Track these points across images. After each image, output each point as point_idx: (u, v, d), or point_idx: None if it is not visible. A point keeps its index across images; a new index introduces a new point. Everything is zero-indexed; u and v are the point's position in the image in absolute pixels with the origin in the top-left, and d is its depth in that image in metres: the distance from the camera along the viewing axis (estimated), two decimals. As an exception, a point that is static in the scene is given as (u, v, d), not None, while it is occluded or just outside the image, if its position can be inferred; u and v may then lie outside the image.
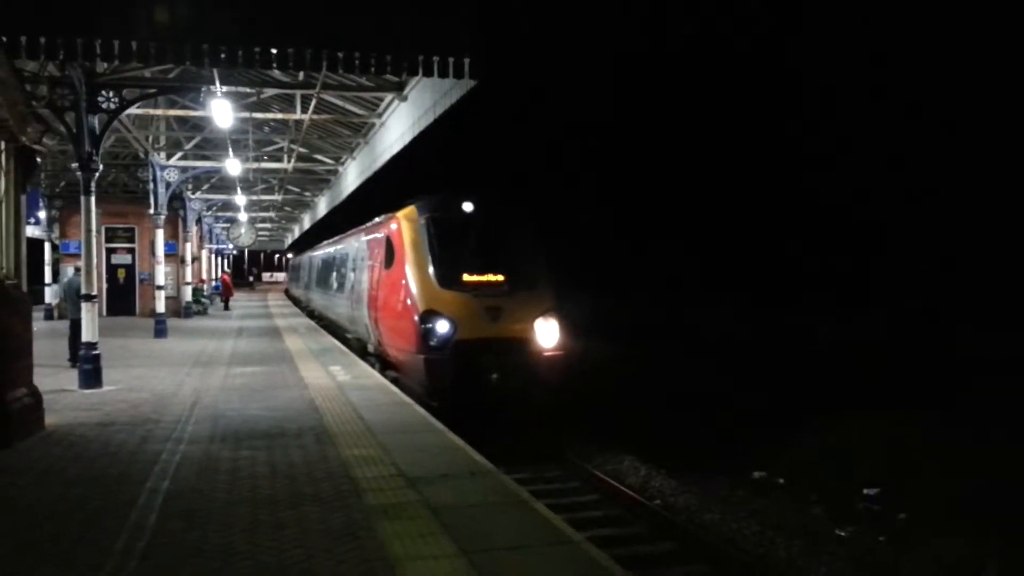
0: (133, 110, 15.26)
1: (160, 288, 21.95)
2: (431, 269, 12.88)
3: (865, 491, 10.61)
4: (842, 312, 25.62)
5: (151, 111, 18.13)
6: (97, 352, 12.48)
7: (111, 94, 12.62)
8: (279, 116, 19.79)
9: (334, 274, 23.11)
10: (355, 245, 19.10)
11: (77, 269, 15.49)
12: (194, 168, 23.76)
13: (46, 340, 16.35)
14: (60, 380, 12.62)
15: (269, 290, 74.21)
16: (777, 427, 13.77)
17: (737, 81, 49.35)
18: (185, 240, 29.58)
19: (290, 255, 74.03)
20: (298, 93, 17.23)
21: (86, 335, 12.41)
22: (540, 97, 67.64)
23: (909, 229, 30.54)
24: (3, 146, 8.86)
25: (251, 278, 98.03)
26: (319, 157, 26.02)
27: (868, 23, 40.27)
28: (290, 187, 34.62)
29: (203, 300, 33.48)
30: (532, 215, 14.38)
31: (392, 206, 15.64)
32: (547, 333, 12.73)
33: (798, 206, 35.92)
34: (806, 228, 35.18)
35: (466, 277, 12.79)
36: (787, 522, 9.72)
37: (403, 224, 13.78)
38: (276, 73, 15.07)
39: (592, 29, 70.40)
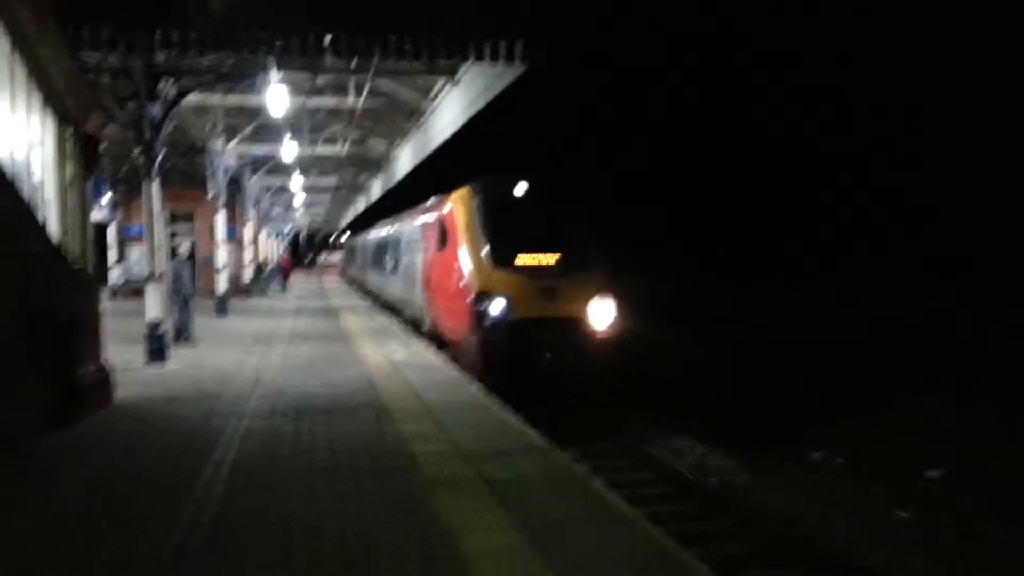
0: (191, 97, 15.57)
1: (221, 270, 22.43)
2: (484, 250, 12.93)
3: (928, 473, 10.42)
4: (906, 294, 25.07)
5: (209, 98, 18.47)
6: (162, 331, 12.85)
7: (170, 82, 12.89)
8: (333, 101, 20.00)
9: (388, 255, 23.35)
10: (409, 227, 19.28)
11: (179, 257, 16.47)
12: (251, 154, 24.16)
13: (113, 319, 16.80)
14: (128, 357, 12.98)
15: (325, 271, 75.21)
16: (838, 407, 13.58)
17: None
18: (243, 223, 30.12)
19: (345, 236, 74.83)
20: (352, 79, 17.38)
21: (151, 314, 12.77)
22: (597, 79, 67.02)
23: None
24: (69, 134, 9.14)
25: (307, 260, 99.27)
26: (372, 142, 26.23)
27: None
28: (344, 170, 35.00)
29: (262, 281, 34.12)
30: (583, 197, 14.37)
31: (446, 188, 15.75)
32: (601, 313, 12.72)
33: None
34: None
35: (519, 258, 12.84)
36: (846, 502, 9.59)
37: (456, 206, 13.86)
38: (330, 60, 15.23)
39: (649, 10, 69.60)
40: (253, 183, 31.38)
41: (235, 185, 27.97)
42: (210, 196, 22.45)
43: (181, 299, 15.53)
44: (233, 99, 19.00)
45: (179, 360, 13.09)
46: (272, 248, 51.72)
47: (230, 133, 23.54)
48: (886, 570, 7.75)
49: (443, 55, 11.51)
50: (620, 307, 13.12)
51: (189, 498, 5.95)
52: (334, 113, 22.40)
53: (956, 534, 8.72)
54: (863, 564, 7.81)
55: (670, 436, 12.52)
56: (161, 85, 12.81)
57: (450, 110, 17.57)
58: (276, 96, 14.91)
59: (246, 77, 15.39)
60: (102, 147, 10.38)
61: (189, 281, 15.82)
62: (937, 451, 11.19)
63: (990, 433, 11.70)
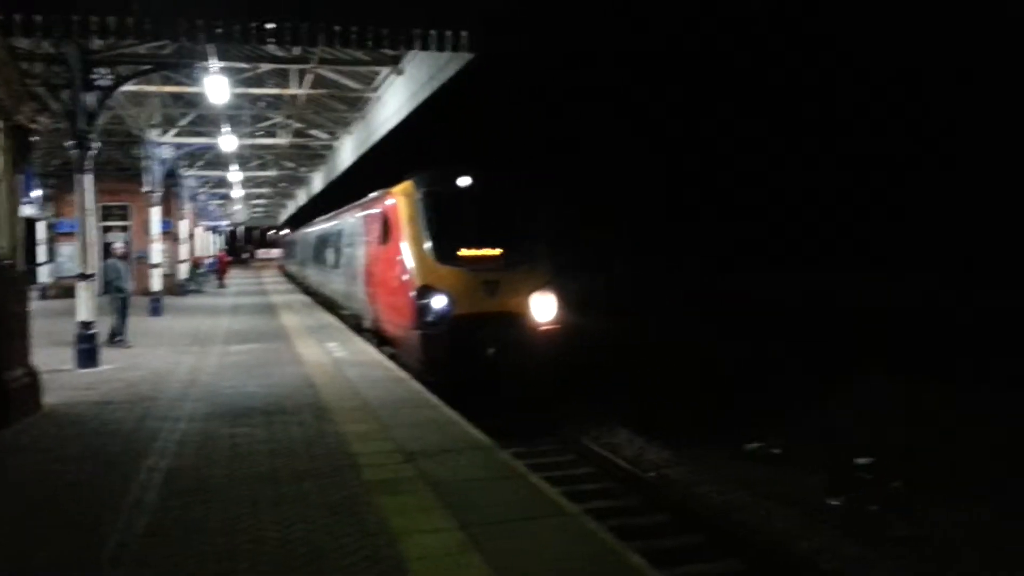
0: (128, 87, 15.18)
1: (155, 266, 21.93)
2: (427, 244, 12.87)
3: (858, 460, 10.70)
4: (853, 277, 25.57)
5: (146, 88, 18.03)
6: (93, 332, 12.50)
7: (106, 71, 12.55)
8: (274, 91, 19.67)
9: (330, 250, 23.08)
10: (351, 221, 19.08)
11: (114, 254, 16.10)
12: (189, 145, 23.65)
13: (41, 320, 16.34)
14: (56, 360, 12.61)
15: (264, 267, 74.08)
16: (774, 397, 13.84)
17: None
18: (180, 218, 29.50)
19: (285, 232, 73.78)
20: (294, 68, 17.12)
21: (82, 315, 12.40)
22: (545, 66, 66.88)
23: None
24: (-1, 126, 8.84)
25: (246, 255, 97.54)
26: (314, 132, 25.87)
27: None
28: (285, 163, 34.50)
29: (199, 278, 33.46)
30: (532, 186, 14.36)
31: (389, 181, 15.59)
32: (544, 307, 12.77)
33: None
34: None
35: (463, 252, 12.80)
36: (781, 492, 9.81)
37: (399, 199, 13.75)
38: (272, 48, 14.97)
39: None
40: (190, 176, 30.75)
41: (171, 178, 27.37)
42: (145, 189, 21.91)
43: (118, 300, 15.14)
44: (171, 87, 18.57)
45: (112, 362, 12.77)
46: (210, 244, 50.78)
47: (167, 124, 23.02)
48: (819, 557, 7.94)
49: (387, 44, 11.39)
50: (563, 299, 13.15)
51: (123, 504, 5.82)
52: (275, 103, 22.07)
53: (883, 519, 8.99)
54: (797, 552, 7.98)
55: (609, 429, 12.68)
56: (97, 73, 12.47)
57: (394, 100, 17.41)
58: (216, 85, 14.59)
59: (185, 66, 15.05)
60: (33, 139, 10.06)
61: (126, 280, 15.40)
62: (871, 436, 11.50)
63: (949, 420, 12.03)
